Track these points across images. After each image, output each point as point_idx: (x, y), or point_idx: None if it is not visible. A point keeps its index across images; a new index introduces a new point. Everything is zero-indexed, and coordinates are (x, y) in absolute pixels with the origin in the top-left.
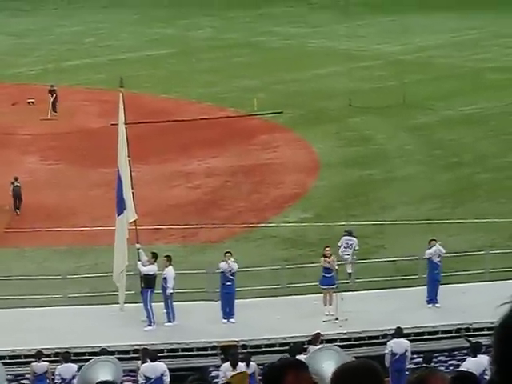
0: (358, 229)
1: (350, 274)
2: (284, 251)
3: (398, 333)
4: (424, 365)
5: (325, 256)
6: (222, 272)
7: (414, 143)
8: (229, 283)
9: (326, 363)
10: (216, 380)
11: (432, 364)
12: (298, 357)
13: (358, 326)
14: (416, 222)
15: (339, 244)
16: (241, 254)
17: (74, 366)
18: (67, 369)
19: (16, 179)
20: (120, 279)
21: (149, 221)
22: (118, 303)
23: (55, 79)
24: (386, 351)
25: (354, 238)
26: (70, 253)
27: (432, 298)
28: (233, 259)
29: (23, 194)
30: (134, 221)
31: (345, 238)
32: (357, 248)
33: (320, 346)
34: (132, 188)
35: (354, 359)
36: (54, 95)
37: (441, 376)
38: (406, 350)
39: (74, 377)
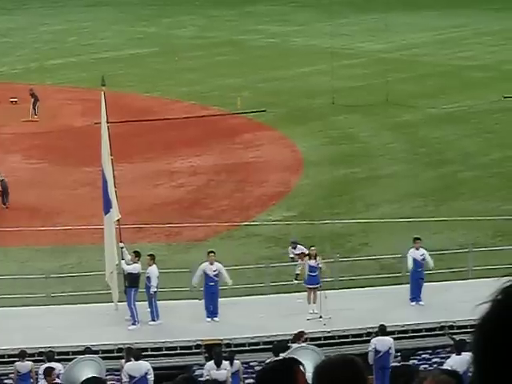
0: (342, 227)
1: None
2: (268, 249)
3: (382, 330)
4: (402, 363)
5: (309, 256)
6: (205, 273)
7: (397, 141)
8: (212, 283)
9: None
10: (200, 379)
11: (413, 362)
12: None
13: (342, 324)
14: (400, 220)
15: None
16: (225, 253)
17: (58, 366)
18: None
19: None
20: (111, 278)
21: (132, 219)
22: (105, 302)
23: (38, 78)
24: (370, 349)
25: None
26: (54, 252)
27: (415, 296)
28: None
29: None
30: (118, 220)
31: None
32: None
33: (297, 346)
34: (115, 187)
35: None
36: (34, 98)
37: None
38: (390, 348)
39: (58, 376)
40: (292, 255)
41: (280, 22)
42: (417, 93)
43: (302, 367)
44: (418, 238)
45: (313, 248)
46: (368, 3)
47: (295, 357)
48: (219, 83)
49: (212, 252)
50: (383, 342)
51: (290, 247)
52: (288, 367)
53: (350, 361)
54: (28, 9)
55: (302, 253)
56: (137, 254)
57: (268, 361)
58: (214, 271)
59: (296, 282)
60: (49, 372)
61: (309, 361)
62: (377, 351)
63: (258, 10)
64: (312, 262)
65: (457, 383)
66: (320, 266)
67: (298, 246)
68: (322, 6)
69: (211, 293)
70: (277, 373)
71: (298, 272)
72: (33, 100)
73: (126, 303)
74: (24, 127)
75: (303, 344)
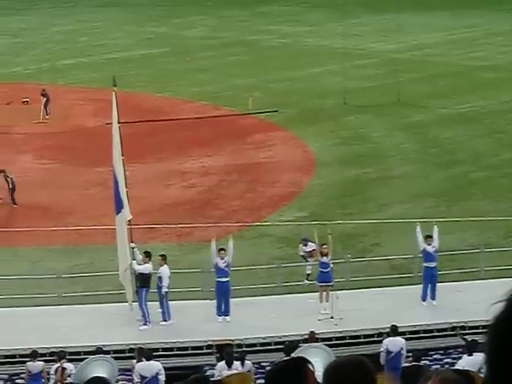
0: (353, 227)
1: (308, 274)
2: (279, 250)
3: (393, 331)
4: (413, 363)
5: (321, 253)
6: (216, 266)
7: (409, 142)
8: (224, 278)
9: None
10: (211, 379)
11: (425, 362)
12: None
13: (354, 324)
14: (412, 221)
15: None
16: (236, 253)
17: (70, 365)
18: None
19: (3, 171)
20: (125, 278)
21: (144, 220)
22: (116, 302)
23: (50, 78)
24: (382, 349)
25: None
26: (65, 252)
27: (431, 295)
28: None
29: (18, 194)
30: (129, 220)
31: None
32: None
33: (307, 345)
34: (126, 187)
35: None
36: (46, 98)
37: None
38: (402, 348)
39: (69, 376)
40: (302, 253)
41: (292, 22)
42: (428, 93)
43: (311, 366)
44: (430, 236)
45: (325, 246)
46: (380, 3)
47: (304, 356)
48: (231, 83)
49: (223, 249)
50: (395, 343)
51: (300, 244)
52: (298, 367)
53: (362, 362)
54: (38, 9)
55: (313, 250)
56: (147, 255)
57: (277, 361)
58: (224, 263)
59: (307, 282)
60: (61, 372)
61: (318, 359)
62: (388, 352)
63: (269, 11)
64: (324, 259)
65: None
66: (331, 265)
67: (310, 243)
68: (334, 6)
69: (223, 290)
70: (287, 373)
71: (308, 272)
72: (44, 100)
73: (137, 303)
74: (36, 127)
75: (310, 344)
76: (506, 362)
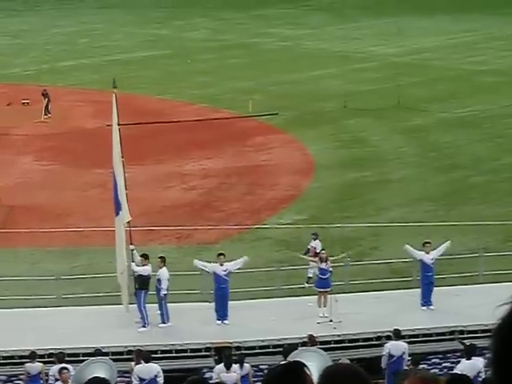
0: (352, 231)
1: (310, 277)
2: (279, 253)
3: (396, 335)
4: (411, 366)
5: (320, 259)
6: (215, 275)
7: (408, 145)
8: (222, 285)
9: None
10: (210, 381)
11: (423, 366)
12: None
13: (353, 327)
14: (411, 224)
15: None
16: (235, 256)
17: (69, 367)
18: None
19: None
20: (122, 280)
21: (143, 222)
22: (115, 304)
23: (50, 80)
24: (384, 353)
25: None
26: (65, 253)
27: (426, 301)
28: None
29: (17, 195)
30: (128, 221)
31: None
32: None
33: (302, 348)
34: (126, 189)
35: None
36: (47, 98)
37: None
38: (404, 353)
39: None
40: (309, 246)
41: (292, 25)
42: (428, 97)
43: (307, 370)
44: (428, 242)
45: (323, 251)
46: (380, 7)
47: (300, 360)
48: (231, 86)
49: (222, 254)
50: (397, 347)
51: (311, 238)
52: (295, 372)
53: (358, 371)
54: (40, 10)
55: (313, 247)
56: (145, 257)
57: (274, 365)
58: (224, 271)
59: (307, 285)
60: (62, 373)
61: (313, 363)
62: (390, 355)
63: (269, 13)
64: (323, 265)
65: None
66: (330, 269)
67: (317, 240)
68: (334, 9)
69: (221, 295)
70: (285, 378)
71: (310, 275)
72: (46, 100)
73: (136, 305)
74: (36, 129)
75: (305, 347)
76: (510, 365)
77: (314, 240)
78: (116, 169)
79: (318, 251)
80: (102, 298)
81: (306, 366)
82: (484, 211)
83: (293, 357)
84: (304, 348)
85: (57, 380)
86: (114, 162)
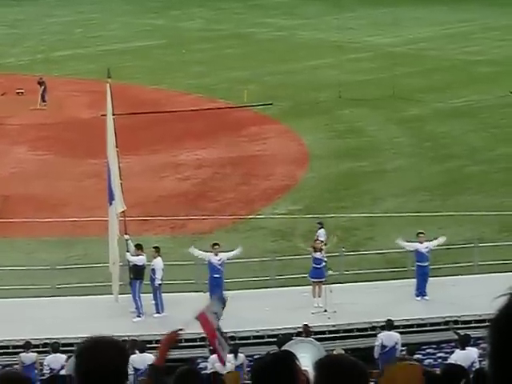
0: (347, 221)
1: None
2: (273, 243)
3: (389, 325)
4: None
5: (314, 249)
6: (210, 263)
7: (404, 135)
8: (217, 275)
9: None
10: (204, 371)
11: (418, 356)
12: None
13: (347, 318)
14: (406, 215)
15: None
16: (230, 246)
17: (63, 357)
18: (56, 359)
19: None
20: (114, 270)
21: (138, 212)
22: (110, 294)
23: (45, 69)
24: (376, 343)
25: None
26: (60, 243)
27: (421, 291)
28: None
29: (12, 185)
30: (123, 211)
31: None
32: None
33: (296, 339)
34: (120, 179)
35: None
36: (43, 86)
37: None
38: (396, 343)
39: (62, 367)
40: (317, 234)
41: (288, 15)
42: (424, 87)
43: (296, 360)
44: (422, 233)
45: (318, 241)
46: None
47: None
48: (226, 76)
49: (217, 244)
50: (390, 337)
51: (318, 227)
52: (284, 362)
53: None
54: (35, 0)
55: (316, 238)
56: (139, 247)
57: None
58: (219, 260)
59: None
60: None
61: (307, 354)
62: (383, 346)
63: (266, 3)
64: (317, 255)
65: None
66: (325, 259)
67: (322, 229)
68: None
69: (216, 285)
70: (274, 370)
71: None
72: (42, 88)
73: (130, 295)
74: (30, 118)
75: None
76: (507, 356)
77: (320, 229)
78: (110, 159)
79: (322, 239)
80: (96, 287)
81: (294, 355)
82: (479, 201)
83: (287, 347)
84: (298, 338)
85: (51, 370)
86: (108, 152)
